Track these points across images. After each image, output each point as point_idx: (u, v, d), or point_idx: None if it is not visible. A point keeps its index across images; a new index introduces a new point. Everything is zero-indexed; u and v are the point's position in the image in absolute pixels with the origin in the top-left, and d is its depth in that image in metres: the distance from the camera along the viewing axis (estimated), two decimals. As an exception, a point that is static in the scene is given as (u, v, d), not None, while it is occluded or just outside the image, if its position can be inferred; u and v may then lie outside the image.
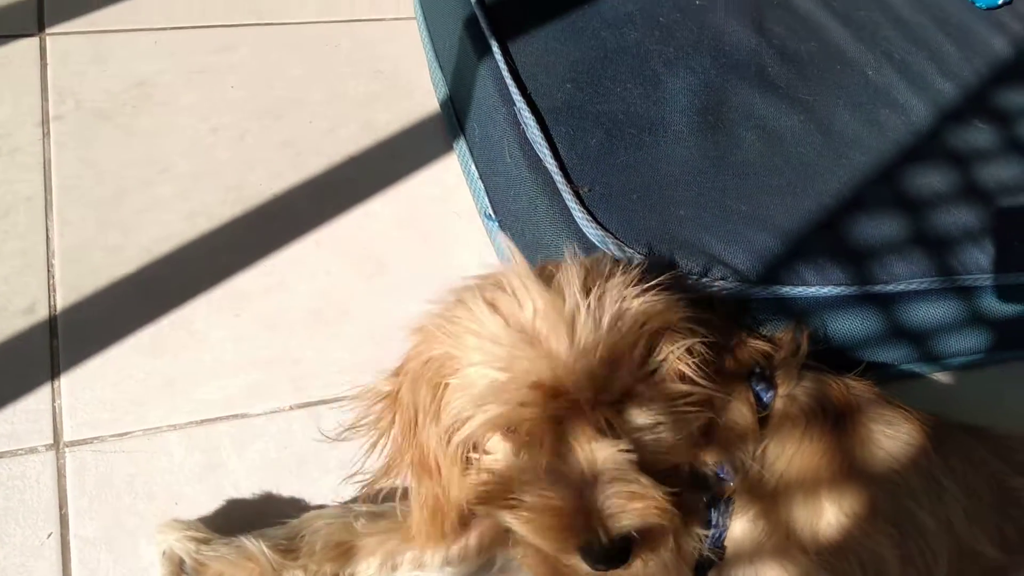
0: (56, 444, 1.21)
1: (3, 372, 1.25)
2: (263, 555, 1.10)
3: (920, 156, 1.51)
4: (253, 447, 1.25)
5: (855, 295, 1.32)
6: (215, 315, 1.36)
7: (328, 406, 1.29)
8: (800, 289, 1.30)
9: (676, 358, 1.03)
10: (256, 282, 1.40)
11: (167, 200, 1.46)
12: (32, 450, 1.20)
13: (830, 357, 1.24)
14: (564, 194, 1.33)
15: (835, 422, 1.14)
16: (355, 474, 1.09)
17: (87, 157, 1.49)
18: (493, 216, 1.50)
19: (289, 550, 1.12)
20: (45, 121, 1.52)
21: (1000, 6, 1.82)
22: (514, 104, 1.42)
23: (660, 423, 1.01)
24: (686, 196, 1.37)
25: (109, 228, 1.41)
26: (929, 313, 1.39)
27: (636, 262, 1.10)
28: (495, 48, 1.47)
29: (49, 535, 1.13)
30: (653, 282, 1.04)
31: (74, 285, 1.35)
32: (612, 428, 0.97)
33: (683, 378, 1.03)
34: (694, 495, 1.08)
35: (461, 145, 1.60)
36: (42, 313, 1.31)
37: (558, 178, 1.34)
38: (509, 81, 1.44)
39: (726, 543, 1.10)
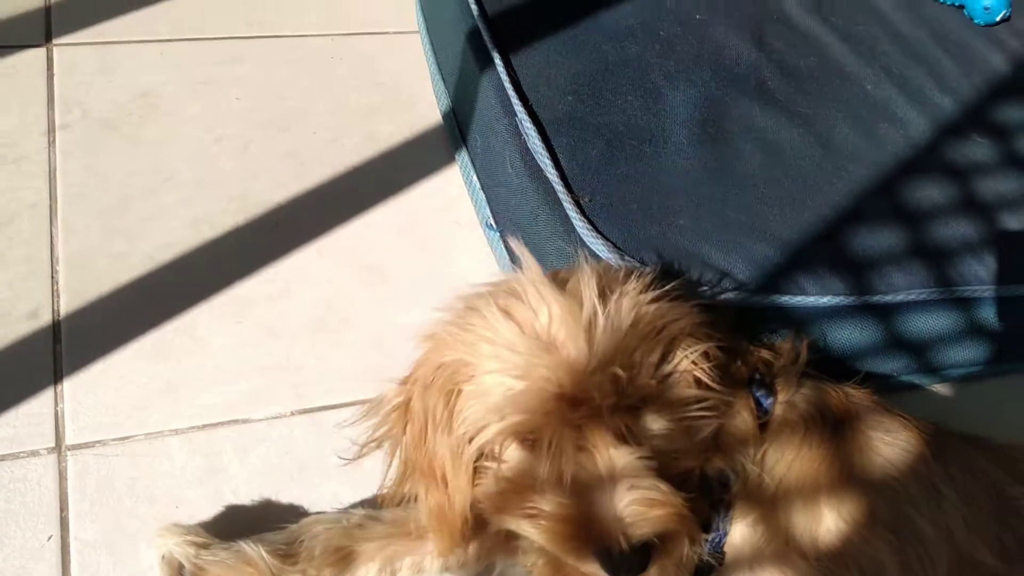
0: (58, 447, 1.21)
1: (6, 376, 1.26)
2: (262, 560, 1.10)
3: (919, 169, 1.53)
4: (254, 452, 1.25)
5: (854, 305, 1.33)
6: (218, 322, 1.37)
7: (330, 412, 1.30)
8: (799, 299, 1.31)
9: (691, 363, 1.04)
10: (258, 290, 1.41)
11: (171, 208, 1.48)
12: (34, 453, 1.20)
13: (830, 367, 1.24)
14: (565, 204, 1.34)
15: (834, 429, 1.15)
16: (380, 487, 1.10)
17: (92, 166, 1.50)
18: (494, 226, 1.51)
19: (288, 555, 1.12)
20: (51, 130, 1.53)
21: (998, 23, 1.83)
22: (515, 115, 1.43)
23: (675, 428, 1.02)
24: (686, 206, 1.38)
25: (113, 235, 1.42)
26: (927, 324, 1.40)
27: (647, 269, 1.11)
28: (497, 60, 1.49)
29: (49, 537, 1.14)
30: (666, 288, 1.06)
31: (78, 291, 1.35)
32: (631, 433, 0.98)
33: (698, 383, 1.04)
34: (699, 501, 1.09)
35: (463, 156, 1.61)
36: (46, 318, 1.32)
37: (559, 188, 1.36)
38: (511, 92, 1.45)
39: (725, 548, 1.11)
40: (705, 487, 1.11)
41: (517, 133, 1.42)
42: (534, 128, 1.41)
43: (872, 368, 1.41)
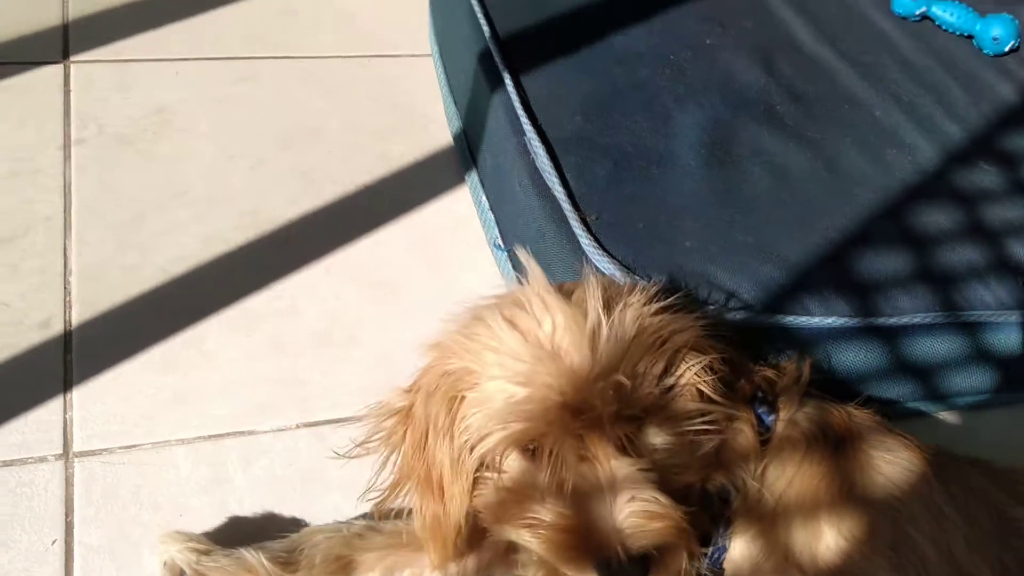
0: (65, 454, 1.22)
1: (17, 383, 1.27)
2: (262, 567, 1.10)
3: (926, 195, 1.53)
4: (258, 464, 1.26)
5: (859, 327, 1.33)
6: (226, 335, 1.38)
7: (334, 426, 1.30)
8: (804, 319, 1.31)
9: (694, 375, 1.04)
10: (267, 304, 1.43)
11: (184, 223, 1.50)
12: (42, 459, 1.21)
13: (835, 390, 1.24)
14: (572, 222, 1.36)
15: (835, 447, 1.14)
16: (369, 490, 1.10)
17: (107, 180, 1.53)
18: (503, 246, 1.52)
19: (288, 563, 1.12)
20: (67, 145, 1.56)
21: (1007, 53, 1.84)
22: (524, 134, 1.45)
23: (677, 443, 1.02)
24: (693, 227, 1.39)
25: (126, 249, 1.45)
26: (933, 348, 1.39)
27: (652, 282, 1.12)
28: (507, 80, 1.51)
29: (54, 542, 1.15)
30: (670, 301, 1.07)
31: (90, 302, 1.37)
32: (632, 444, 0.98)
33: (700, 396, 1.05)
34: (699, 515, 1.09)
35: (473, 176, 1.63)
36: (57, 328, 1.34)
37: (566, 206, 1.37)
38: (520, 112, 1.47)
39: (725, 564, 1.10)
40: (705, 502, 1.11)
41: (526, 152, 1.44)
42: (543, 147, 1.42)
43: (878, 393, 1.41)
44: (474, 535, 1.16)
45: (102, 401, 1.28)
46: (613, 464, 0.96)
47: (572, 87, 1.55)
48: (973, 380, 1.47)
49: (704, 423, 1.05)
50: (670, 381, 1.04)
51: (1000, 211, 1.55)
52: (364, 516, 1.21)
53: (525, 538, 0.98)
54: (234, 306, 1.41)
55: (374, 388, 1.17)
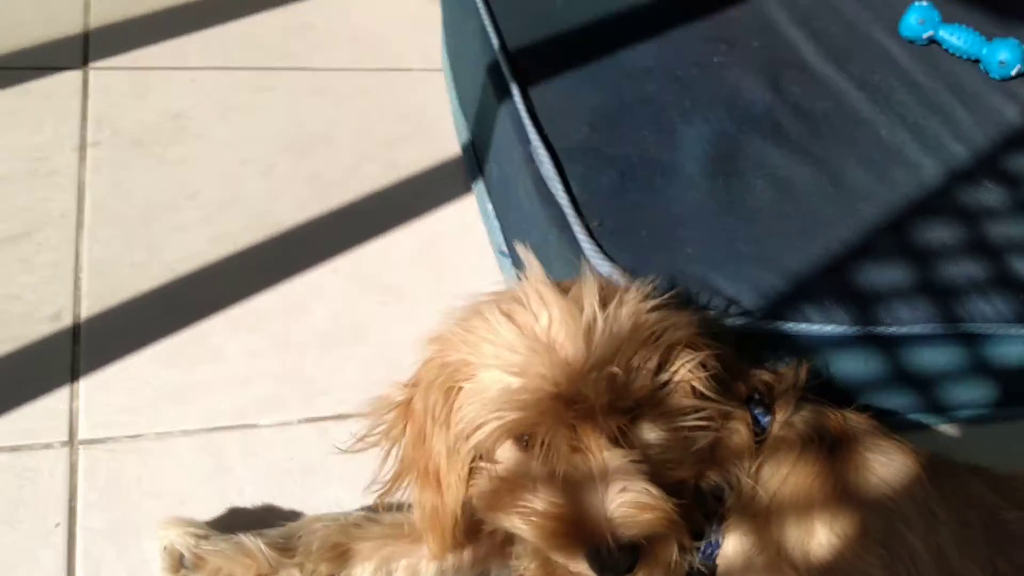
0: (71, 441, 1.24)
1: (26, 373, 1.30)
2: (260, 552, 1.12)
3: (929, 210, 1.54)
4: (260, 456, 1.28)
5: (858, 335, 1.34)
6: (232, 331, 1.41)
7: (336, 422, 1.32)
8: (803, 326, 1.32)
9: (688, 372, 1.05)
10: (274, 303, 1.46)
11: (194, 224, 1.53)
12: (48, 445, 1.24)
13: (834, 399, 1.24)
14: (574, 227, 1.37)
15: (830, 448, 1.15)
16: (372, 483, 1.11)
17: (120, 181, 1.57)
18: (507, 253, 1.54)
19: (286, 549, 1.14)
20: (83, 147, 1.60)
21: (1013, 77, 1.86)
22: (530, 143, 1.47)
23: (670, 438, 1.03)
24: (695, 236, 1.40)
25: (136, 246, 1.48)
26: (932, 358, 1.39)
27: (649, 281, 1.13)
28: (515, 91, 1.53)
29: (57, 525, 1.17)
30: (666, 298, 1.09)
31: (99, 296, 1.40)
32: (625, 436, 0.99)
33: (694, 393, 1.06)
34: (693, 511, 1.09)
35: (479, 185, 1.65)
36: (67, 321, 1.37)
37: (569, 212, 1.38)
38: (527, 122, 1.49)
39: (718, 560, 1.11)
40: (700, 499, 1.12)
41: (531, 160, 1.46)
42: (547, 156, 1.44)
43: (878, 403, 1.41)
44: (471, 528, 1.18)
45: (108, 392, 1.30)
46: (606, 455, 0.97)
47: (579, 100, 1.58)
48: (973, 393, 1.47)
49: (698, 419, 1.06)
50: (664, 377, 1.05)
51: (1003, 228, 1.55)
52: (364, 509, 1.22)
53: (517, 525, 1.00)
54: (241, 304, 1.44)
55: (377, 386, 1.19)
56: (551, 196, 1.42)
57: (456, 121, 1.79)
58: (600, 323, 1.00)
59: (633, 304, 1.05)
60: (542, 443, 0.98)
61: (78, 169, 1.57)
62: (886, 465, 1.15)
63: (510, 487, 1.01)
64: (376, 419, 1.12)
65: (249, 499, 1.24)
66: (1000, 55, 1.83)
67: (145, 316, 1.39)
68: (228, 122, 1.71)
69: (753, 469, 1.12)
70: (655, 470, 0.99)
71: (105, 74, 1.74)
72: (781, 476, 1.12)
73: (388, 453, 1.11)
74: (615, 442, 0.98)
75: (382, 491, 1.12)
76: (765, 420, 1.16)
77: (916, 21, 1.86)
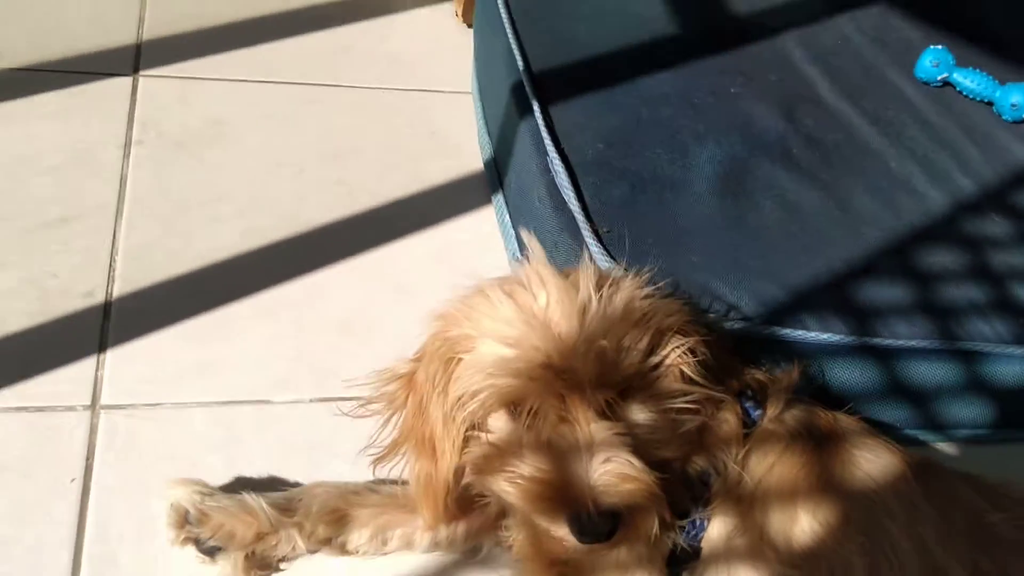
0: (93, 406, 1.31)
1: (57, 341, 1.38)
2: (262, 511, 1.17)
3: (933, 237, 1.57)
4: (271, 430, 1.34)
5: (854, 344, 1.37)
6: (254, 317, 1.48)
7: (347, 404, 1.37)
8: (800, 333, 1.36)
9: (678, 357, 1.10)
10: (295, 293, 1.53)
11: (226, 219, 1.61)
12: (70, 408, 1.30)
13: (829, 407, 1.28)
14: (584, 232, 1.43)
15: (818, 443, 1.19)
16: (369, 446, 1.17)
17: (159, 177, 1.66)
18: (521, 260, 1.60)
19: (286, 509, 1.19)
20: (127, 144, 1.70)
21: (1026, 120, 1.91)
22: (547, 154, 1.53)
23: (659, 420, 1.08)
24: (700, 247, 1.45)
25: (170, 236, 1.56)
26: (929, 372, 1.43)
27: (645, 269, 1.18)
28: (536, 107, 1.61)
29: (73, 480, 1.23)
30: (660, 285, 1.14)
31: (131, 279, 1.48)
32: (612, 411, 1.04)
33: (684, 378, 1.10)
34: (679, 492, 1.13)
35: (498, 197, 1.72)
36: (99, 298, 1.45)
37: (580, 219, 1.44)
38: (545, 135, 1.56)
39: (703, 543, 1.14)
40: (686, 483, 1.15)
41: (547, 171, 1.52)
42: (563, 166, 1.51)
43: (876, 416, 1.44)
44: (464, 503, 1.23)
45: (132, 363, 1.37)
46: (592, 427, 1.02)
47: (597, 120, 1.65)
48: (971, 412, 1.50)
49: (686, 402, 1.10)
50: (655, 360, 1.10)
51: (1006, 257, 1.58)
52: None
53: (504, 489, 1.04)
54: (264, 292, 1.51)
55: (387, 372, 1.24)
56: (563, 203, 1.48)
57: (480, 139, 1.87)
58: (594, 303, 1.06)
59: (628, 290, 1.11)
60: (532, 411, 1.04)
61: (121, 164, 1.66)
62: (872, 461, 1.19)
63: (500, 454, 1.05)
64: (380, 388, 1.18)
65: (257, 470, 1.29)
66: (1012, 98, 1.88)
67: (173, 298, 1.47)
68: (265, 130, 1.80)
69: (740, 456, 1.16)
70: (641, 447, 1.03)
71: (153, 81, 1.85)
72: (767, 464, 1.16)
73: (389, 420, 1.17)
74: (602, 415, 1.03)
75: (378, 456, 1.17)
76: (755, 414, 1.20)
77: (931, 63, 1.92)
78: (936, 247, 1.57)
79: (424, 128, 1.90)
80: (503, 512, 1.21)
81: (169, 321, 1.43)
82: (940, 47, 1.93)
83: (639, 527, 1.04)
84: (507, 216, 1.67)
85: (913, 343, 1.40)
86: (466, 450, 1.09)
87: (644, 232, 1.46)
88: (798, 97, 1.84)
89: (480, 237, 1.69)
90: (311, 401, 1.38)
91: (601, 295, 1.07)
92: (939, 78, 1.93)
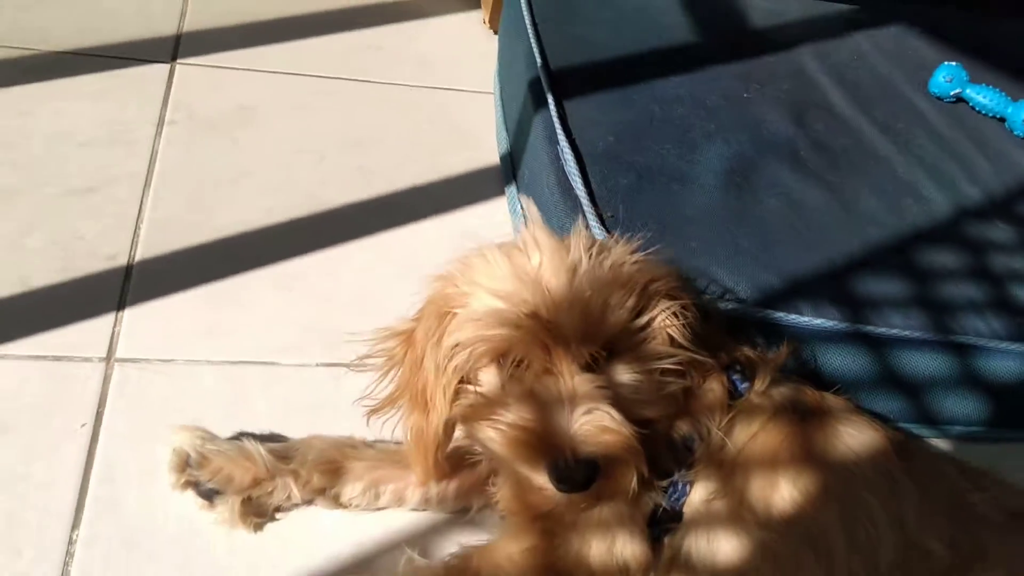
0: (108, 358, 1.37)
1: (78, 298, 1.44)
2: (260, 457, 1.21)
3: (935, 238, 1.60)
4: (276, 390, 1.39)
5: (847, 331, 1.40)
6: (268, 286, 1.54)
7: (351, 370, 1.42)
8: (793, 317, 1.39)
9: (664, 319, 1.14)
10: (310, 267, 1.59)
11: (248, 196, 1.68)
12: (87, 359, 1.36)
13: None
14: (589, 216, 1.47)
15: (803, 416, 1.21)
16: (365, 397, 1.21)
17: (189, 154, 1.74)
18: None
19: (284, 457, 1.23)
20: (160, 124, 1.79)
21: (1039, 137, 1.93)
22: (558, 143, 1.59)
23: (643, 380, 1.11)
24: (702, 235, 1.49)
25: (194, 209, 1.63)
26: (922, 364, 1.44)
27: (636, 236, 1.22)
28: (550, 100, 1.66)
29: (83, 425, 1.28)
30: (650, 252, 1.18)
31: (154, 245, 1.55)
32: (597, 367, 1.08)
33: (670, 342, 1.14)
34: (662, 453, 1.16)
35: (511, 188, 1.78)
36: (122, 261, 1.52)
37: (585, 203, 1.49)
38: (557, 126, 1.61)
39: (685, 508, 1.17)
40: (671, 448, 1.19)
41: (557, 158, 1.58)
42: (572, 154, 1.56)
43: (869, 406, 1.46)
44: (455, 462, 1.27)
45: (148, 322, 1.44)
46: (576, 380, 1.06)
47: (610, 115, 1.70)
48: (965, 408, 1.51)
49: (671, 364, 1.14)
50: (641, 321, 1.14)
51: (1008, 260, 1.60)
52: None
53: (489, 436, 1.08)
54: (280, 264, 1.57)
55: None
56: (571, 189, 1.53)
57: (498, 135, 1.93)
58: (584, 264, 1.10)
59: (618, 254, 1.15)
60: (518, 362, 1.08)
61: (153, 141, 1.74)
62: (855, 436, 1.21)
63: (488, 404, 1.09)
64: (380, 344, 1.23)
65: (260, 427, 1.33)
66: (1024, 113, 1.91)
67: (192, 265, 1.53)
68: (291, 118, 1.88)
69: (724, 424, 1.18)
70: (623, 404, 1.07)
71: (189, 69, 1.94)
72: (750, 432, 1.19)
73: (386, 374, 1.22)
74: (587, 370, 1.07)
75: (374, 407, 1.22)
76: (743, 387, 1.23)
77: (944, 79, 1.96)
78: (937, 247, 1.59)
79: (444, 123, 1.96)
80: (492, 473, 1.25)
81: (187, 285, 1.50)
82: (954, 63, 1.97)
83: (617, 479, 1.07)
84: (519, 206, 1.72)
85: (906, 333, 1.42)
86: (457, 402, 1.14)
87: (648, 219, 1.49)
88: (809, 104, 1.88)
89: (492, 225, 1.74)
90: (317, 365, 1.43)
91: (591, 257, 1.12)
92: (952, 93, 1.96)
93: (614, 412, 1.04)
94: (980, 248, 1.61)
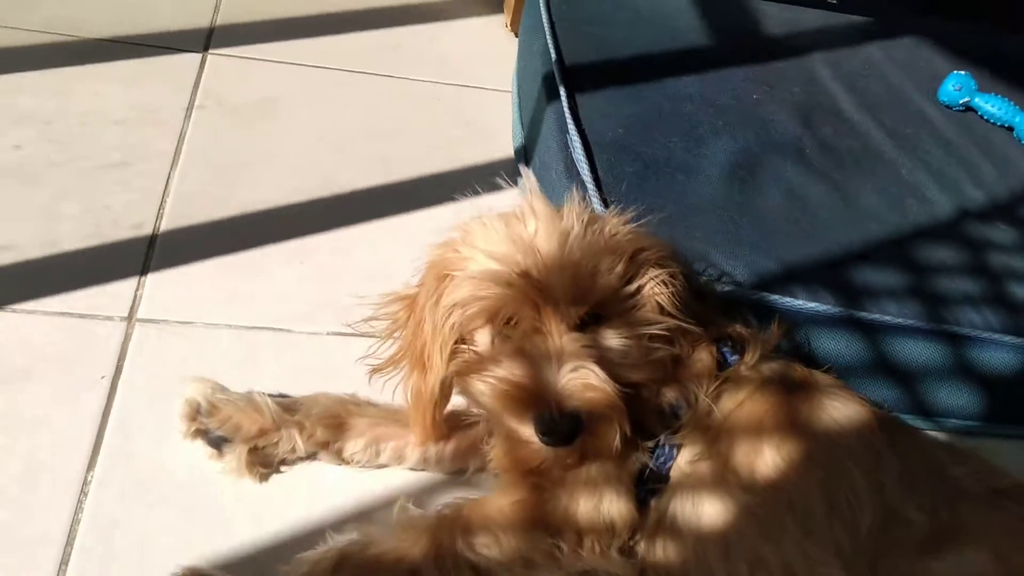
0: (130, 318, 1.44)
1: (104, 263, 1.52)
2: (267, 408, 1.27)
3: (936, 236, 1.63)
4: (288, 355, 1.45)
5: (840, 316, 1.44)
6: (285, 260, 1.61)
7: (361, 340, 1.48)
8: (788, 300, 1.43)
9: (653, 287, 1.19)
10: (326, 244, 1.66)
11: (270, 177, 1.76)
12: (109, 318, 1.44)
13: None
14: (593, 201, 1.53)
15: (790, 389, 1.25)
16: (368, 356, 1.27)
17: (215, 137, 1.82)
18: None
19: (290, 409, 1.29)
20: (190, 108, 1.88)
21: (1047, 147, 1.96)
22: (568, 132, 1.65)
23: (631, 345, 1.16)
24: (703, 222, 1.54)
25: (218, 186, 1.71)
26: (915, 352, 1.47)
27: (630, 208, 1.28)
28: (562, 92, 1.72)
29: (103, 377, 1.35)
30: (642, 223, 1.24)
31: (178, 217, 1.63)
32: (584, 328, 1.13)
33: (660, 310, 1.19)
34: (649, 417, 1.21)
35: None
36: (147, 230, 1.60)
37: (591, 188, 1.55)
38: (568, 116, 1.67)
39: (672, 472, 1.21)
40: (659, 414, 1.23)
41: (566, 146, 1.63)
42: (580, 143, 1.61)
43: (863, 393, 1.49)
44: (452, 424, 1.32)
45: (169, 287, 1.51)
46: (564, 339, 1.11)
47: (620, 108, 1.76)
48: (959, 399, 1.54)
49: (659, 331, 1.19)
50: (631, 289, 1.19)
51: (1007, 259, 1.63)
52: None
53: (480, 389, 1.13)
54: (296, 240, 1.64)
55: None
56: (578, 174, 1.58)
57: (514, 129, 1.99)
58: (576, 230, 1.16)
59: (610, 223, 1.21)
60: (510, 320, 1.13)
61: (182, 123, 1.83)
62: (840, 409, 1.24)
63: (481, 361, 1.15)
64: (385, 308, 1.29)
65: (270, 388, 1.37)
66: (1033, 123, 1.95)
67: (213, 237, 1.61)
68: (315, 108, 1.96)
69: (711, 391, 1.22)
70: (609, 366, 1.11)
71: (220, 59, 2.03)
72: (737, 401, 1.22)
73: (389, 336, 1.28)
74: (576, 331, 1.12)
75: (377, 367, 1.27)
76: (732, 359, 1.27)
77: (953, 87, 1.99)
78: (937, 243, 1.62)
79: (461, 118, 2.04)
80: (488, 435, 1.30)
81: (207, 255, 1.57)
82: (963, 72, 2.00)
83: (600, 436, 1.12)
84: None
85: (899, 320, 1.46)
86: (453, 362, 1.19)
87: (650, 205, 1.52)
88: (818, 107, 1.93)
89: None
90: (328, 334, 1.49)
91: (584, 225, 1.17)
92: (961, 102, 2.00)
93: (599, 370, 1.09)
94: (980, 246, 1.64)
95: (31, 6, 2.06)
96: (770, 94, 1.92)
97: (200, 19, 2.13)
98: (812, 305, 1.43)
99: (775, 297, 1.43)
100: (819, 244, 1.55)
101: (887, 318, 1.45)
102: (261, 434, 1.27)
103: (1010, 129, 1.99)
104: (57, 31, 2.01)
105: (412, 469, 1.34)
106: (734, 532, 1.17)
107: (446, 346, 1.18)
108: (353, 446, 1.31)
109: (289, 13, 2.23)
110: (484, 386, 1.13)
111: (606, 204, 1.51)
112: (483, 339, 1.17)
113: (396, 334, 1.28)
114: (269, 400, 1.28)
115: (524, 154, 1.89)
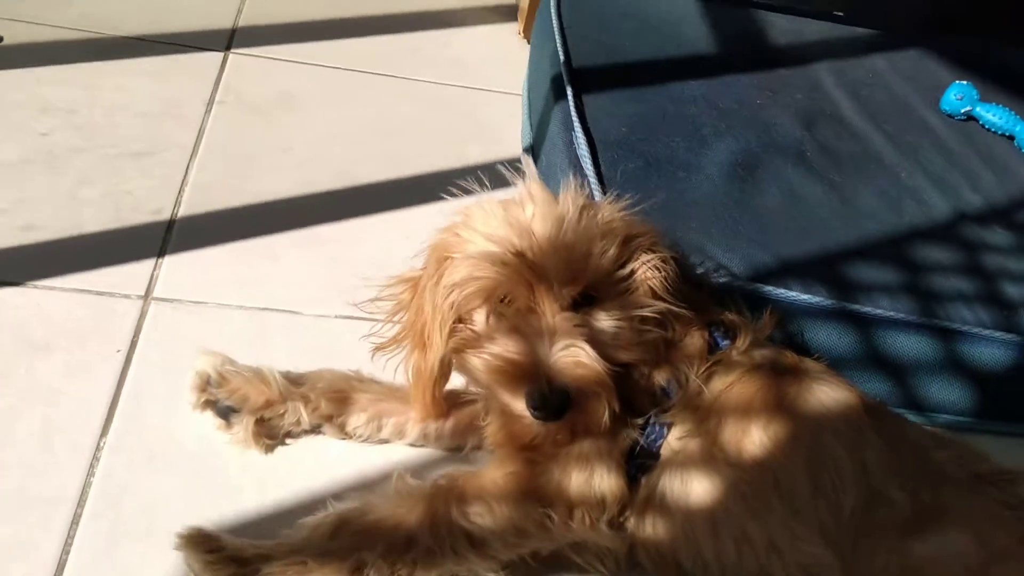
0: (146, 296, 1.50)
1: (124, 245, 1.58)
2: (274, 380, 1.32)
3: (932, 236, 1.67)
4: (297, 336, 1.51)
5: (833, 308, 1.47)
6: (295, 246, 1.67)
7: (368, 323, 1.53)
8: (781, 291, 1.47)
9: (645, 271, 1.24)
10: (337, 233, 1.72)
11: (284, 169, 1.83)
12: (126, 296, 1.50)
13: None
14: (595, 195, 1.58)
15: (779, 373, 1.29)
16: (372, 334, 1.32)
17: (233, 130, 1.89)
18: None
19: (296, 383, 1.34)
20: (210, 102, 1.95)
21: (1048, 157, 1.99)
22: (573, 130, 1.69)
23: (623, 327, 1.21)
24: (701, 216, 1.58)
25: (234, 176, 1.78)
26: (907, 345, 1.51)
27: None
28: (569, 93, 1.77)
29: (118, 351, 1.41)
30: (636, 210, 1.29)
31: (195, 204, 1.69)
32: (577, 308, 1.18)
33: (652, 294, 1.24)
34: (640, 396, 1.25)
35: (530, 174, 1.89)
36: (165, 216, 1.66)
37: (593, 182, 1.60)
38: (574, 116, 1.72)
39: (662, 450, 1.25)
40: (651, 394, 1.27)
41: (571, 143, 1.68)
42: (585, 140, 1.66)
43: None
44: (452, 403, 1.37)
45: (185, 269, 1.57)
46: (556, 318, 1.16)
47: (625, 109, 1.80)
48: (951, 395, 1.57)
49: (650, 313, 1.23)
50: (624, 272, 1.24)
51: (1002, 260, 1.66)
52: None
53: (475, 364, 1.19)
54: (308, 228, 1.70)
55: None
56: (581, 170, 1.63)
57: (523, 130, 2.05)
58: (571, 214, 1.21)
59: (605, 210, 1.27)
60: (505, 299, 1.19)
61: (202, 117, 1.90)
62: (827, 392, 1.28)
63: (477, 338, 1.20)
64: (390, 288, 1.34)
65: (279, 367, 1.41)
66: (1033, 132, 1.98)
67: (229, 224, 1.67)
68: (330, 106, 2.03)
69: (702, 372, 1.27)
70: (600, 346, 1.17)
71: (241, 58, 2.11)
72: (727, 382, 1.26)
73: (393, 315, 1.33)
74: (567, 309, 1.18)
75: (380, 344, 1.32)
76: (723, 344, 1.31)
77: (955, 97, 2.03)
78: (932, 243, 1.65)
79: (471, 119, 2.10)
80: (484, 414, 1.34)
81: (222, 240, 1.63)
82: (965, 82, 2.04)
83: (589, 413, 1.17)
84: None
85: (891, 314, 1.49)
86: (452, 340, 1.24)
87: (651, 200, 1.59)
88: (820, 113, 1.97)
89: (510, 208, 1.85)
90: (336, 317, 1.55)
91: (579, 209, 1.22)
92: (963, 111, 2.04)
93: (589, 349, 1.14)
94: (975, 247, 1.68)
95: (64, 4, 2.15)
96: (773, 99, 1.96)
97: (224, 20, 2.21)
98: (806, 297, 1.47)
99: (769, 288, 1.47)
100: (816, 240, 1.59)
101: (879, 311, 1.49)
102: (268, 405, 1.32)
103: (1011, 138, 2.02)
104: (88, 28, 2.09)
105: (412, 445, 1.38)
106: (721, 509, 1.21)
107: (445, 325, 1.23)
108: (356, 420, 1.35)
109: (308, 16, 2.31)
110: (479, 362, 1.18)
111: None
112: (480, 318, 1.22)
113: (399, 315, 1.33)
114: (276, 374, 1.33)
115: (532, 153, 1.94)
